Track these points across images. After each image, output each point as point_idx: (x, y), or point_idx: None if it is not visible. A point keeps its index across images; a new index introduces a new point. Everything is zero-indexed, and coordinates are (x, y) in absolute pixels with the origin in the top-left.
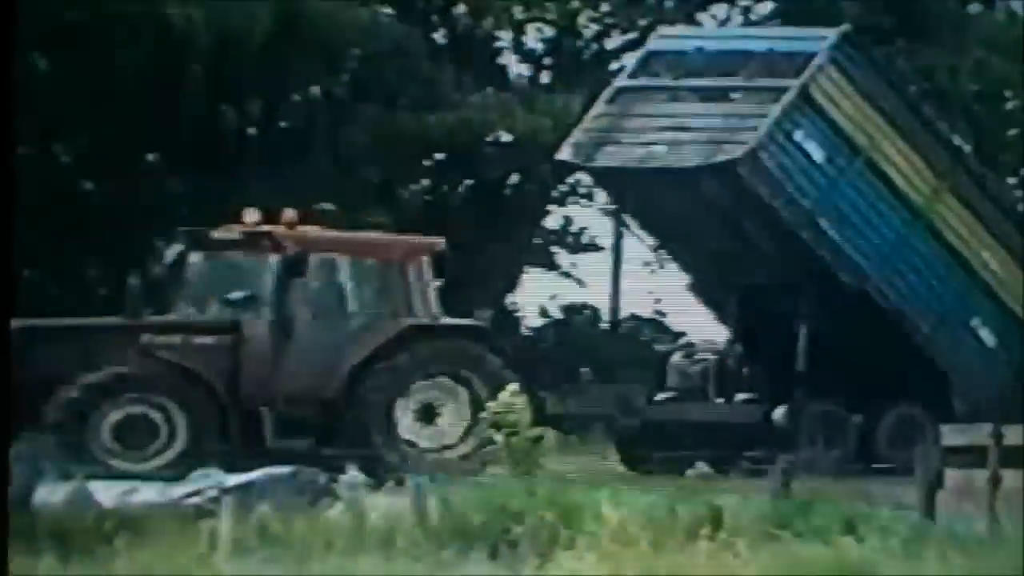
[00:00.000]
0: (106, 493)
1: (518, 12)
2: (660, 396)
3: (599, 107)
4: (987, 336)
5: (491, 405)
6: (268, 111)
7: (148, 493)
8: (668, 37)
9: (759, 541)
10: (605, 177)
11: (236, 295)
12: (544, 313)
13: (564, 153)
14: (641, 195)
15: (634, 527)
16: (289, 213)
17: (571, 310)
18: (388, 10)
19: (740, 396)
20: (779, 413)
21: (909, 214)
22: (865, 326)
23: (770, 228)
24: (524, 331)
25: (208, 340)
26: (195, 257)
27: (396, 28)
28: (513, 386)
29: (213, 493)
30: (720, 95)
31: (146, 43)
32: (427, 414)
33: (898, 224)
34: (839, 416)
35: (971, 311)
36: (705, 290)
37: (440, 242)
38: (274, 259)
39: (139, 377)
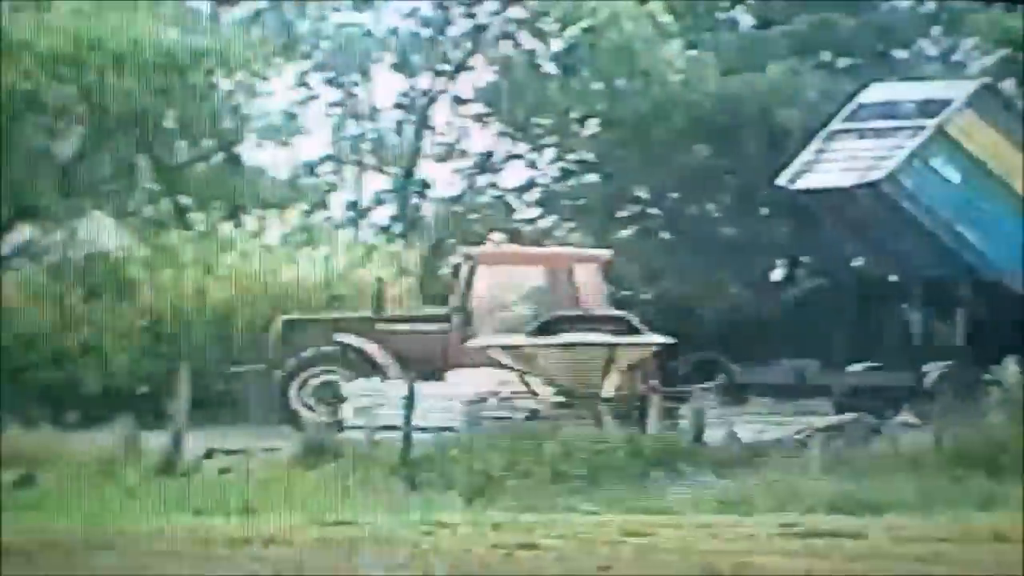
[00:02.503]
0: (745, 432)
1: None
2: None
3: (815, 143)
4: None
5: None
6: None
7: (774, 432)
8: (873, 91)
9: None
10: (803, 196)
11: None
12: None
13: (780, 178)
14: (829, 209)
15: None
16: (495, 235)
17: None
18: None
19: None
20: (930, 378)
21: None
22: (1007, 308)
23: (925, 234)
24: None
25: (428, 328)
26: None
27: None
28: None
29: (809, 432)
30: (886, 133)
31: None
32: None
33: None
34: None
35: None
36: (896, 283)
37: (606, 253)
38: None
39: (328, 354)
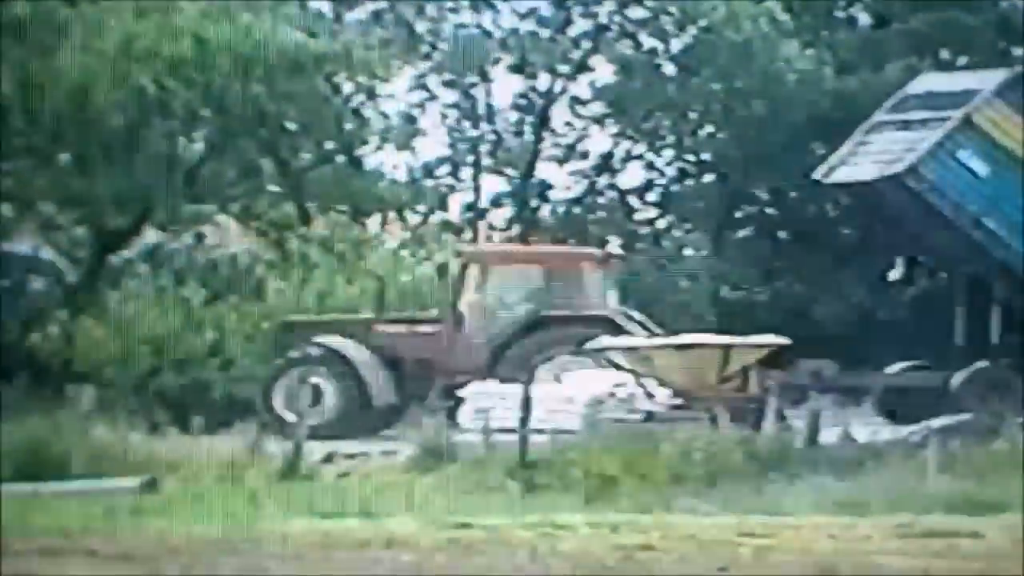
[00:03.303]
0: (861, 433)
1: None
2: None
3: (856, 136)
4: None
5: None
6: None
7: (885, 433)
8: (921, 81)
9: None
10: (832, 190)
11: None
12: None
13: (817, 172)
14: (861, 205)
15: None
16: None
17: None
18: None
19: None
20: (957, 379)
21: None
22: None
23: (953, 229)
24: None
25: (422, 329)
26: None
27: None
28: None
29: (925, 432)
30: (919, 125)
31: None
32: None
33: None
34: (1012, 379)
35: None
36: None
37: (600, 251)
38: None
39: (310, 357)
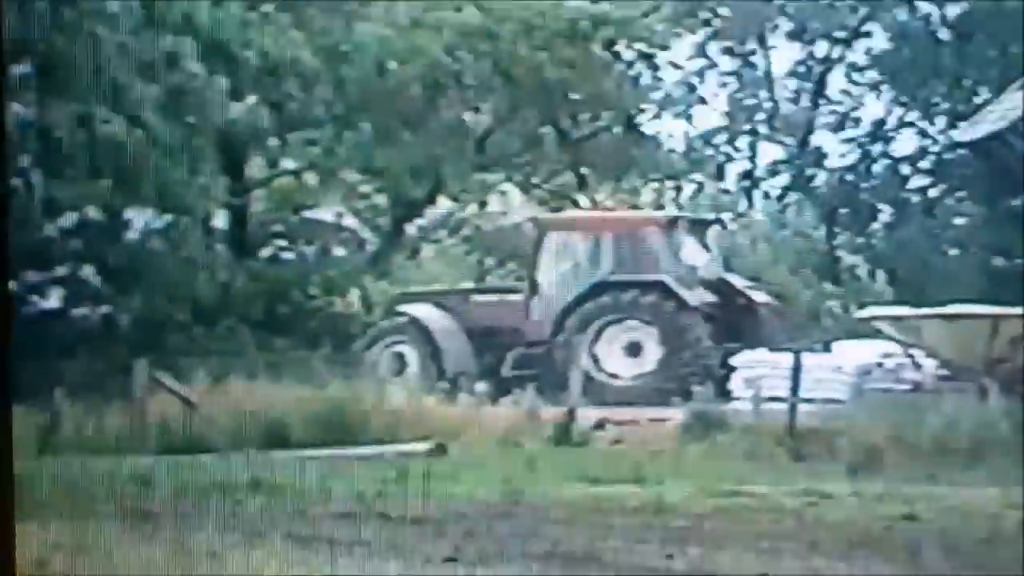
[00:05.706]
0: None
1: None
2: None
3: (1007, 93)
4: None
5: None
6: None
7: None
8: None
9: None
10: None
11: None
12: None
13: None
14: (983, 162)
15: None
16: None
17: None
18: None
19: None
20: None
21: None
22: None
23: None
24: None
25: (511, 299)
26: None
27: None
28: None
29: None
30: None
31: None
32: (631, 350)
33: None
34: None
35: None
36: None
37: (666, 216)
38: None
39: (397, 326)
